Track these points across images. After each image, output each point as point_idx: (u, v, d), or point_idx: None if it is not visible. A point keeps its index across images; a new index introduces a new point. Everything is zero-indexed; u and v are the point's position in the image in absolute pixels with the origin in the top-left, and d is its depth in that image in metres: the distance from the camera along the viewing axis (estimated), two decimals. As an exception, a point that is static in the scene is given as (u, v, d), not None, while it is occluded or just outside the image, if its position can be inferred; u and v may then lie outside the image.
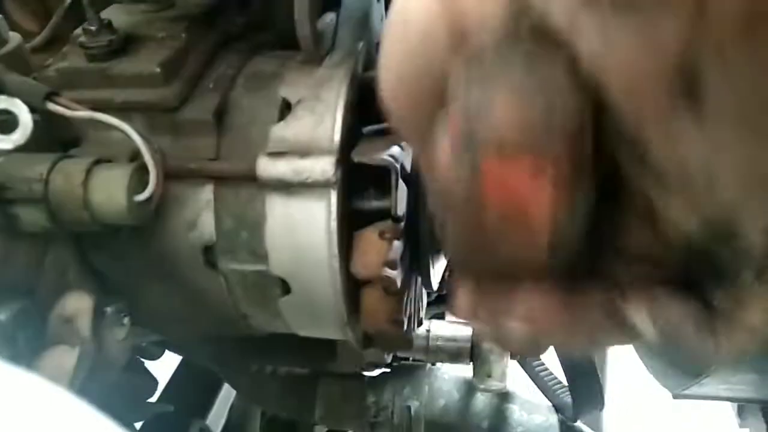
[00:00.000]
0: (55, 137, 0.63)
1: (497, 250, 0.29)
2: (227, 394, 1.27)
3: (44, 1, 0.89)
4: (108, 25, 0.62)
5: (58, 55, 0.66)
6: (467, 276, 0.34)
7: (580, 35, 0.24)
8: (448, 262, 0.39)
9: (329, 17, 0.71)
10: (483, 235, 0.28)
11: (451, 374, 1.00)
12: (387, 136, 0.63)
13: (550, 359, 0.93)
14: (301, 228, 0.59)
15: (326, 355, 0.92)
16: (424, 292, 0.81)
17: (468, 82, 0.27)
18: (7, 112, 0.47)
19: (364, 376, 1.01)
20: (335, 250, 0.59)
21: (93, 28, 0.61)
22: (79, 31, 0.66)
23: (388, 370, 1.02)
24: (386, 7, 0.77)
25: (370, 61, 0.69)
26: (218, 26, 0.70)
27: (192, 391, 1.24)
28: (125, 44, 0.63)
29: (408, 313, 0.69)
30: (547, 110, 0.25)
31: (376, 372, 1.01)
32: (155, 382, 0.90)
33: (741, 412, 0.92)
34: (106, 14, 0.69)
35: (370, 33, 0.69)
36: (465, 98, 0.27)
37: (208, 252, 0.63)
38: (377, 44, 0.70)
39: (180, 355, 1.11)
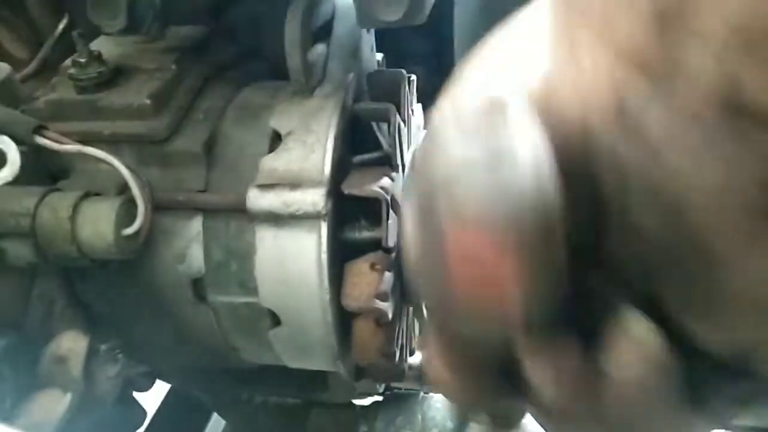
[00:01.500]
0: (43, 169, 0.63)
1: (467, 324, 0.27)
2: (216, 424, 1.25)
3: (35, 29, 0.89)
4: (98, 57, 0.62)
5: (47, 87, 0.65)
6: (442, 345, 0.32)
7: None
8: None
9: (320, 48, 0.71)
10: (450, 309, 0.27)
11: (444, 403, 0.99)
12: (376, 166, 0.63)
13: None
14: (291, 260, 0.59)
15: (318, 385, 0.91)
16: (416, 322, 0.81)
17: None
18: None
19: (356, 405, 0.99)
20: (326, 282, 0.59)
21: (83, 60, 0.61)
22: (68, 62, 0.66)
23: (380, 398, 1.00)
24: (376, 38, 0.78)
25: (360, 91, 0.69)
26: (208, 57, 0.70)
27: (181, 421, 1.22)
28: (115, 76, 0.63)
29: (399, 344, 0.68)
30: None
31: (368, 401, 1.00)
32: (143, 412, 0.89)
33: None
34: (95, 45, 0.69)
35: (360, 64, 0.69)
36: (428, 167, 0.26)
37: (197, 284, 0.62)
38: (367, 75, 0.71)
39: (169, 384, 1.09)
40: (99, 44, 0.70)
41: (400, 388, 1.03)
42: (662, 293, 0.27)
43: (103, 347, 0.60)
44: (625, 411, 0.28)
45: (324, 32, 0.72)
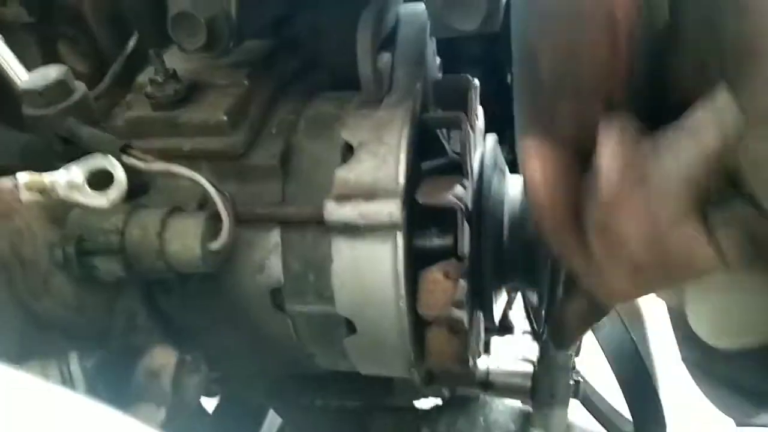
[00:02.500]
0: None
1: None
2: (272, 423, 1.27)
3: (94, 43, 0.92)
4: (173, 75, 0.64)
5: (122, 105, 0.67)
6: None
7: None
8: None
9: (385, 57, 0.71)
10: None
11: (506, 404, 0.99)
12: (446, 173, 0.64)
13: (611, 388, 0.92)
14: (368, 270, 0.60)
15: (382, 389, 0.92)
16: (482, 325, 0.81)
17: None
18: (102, 171, 0.49)
19: (418, 408, 1.00)
20: (402, 291, 0.60)
21: (159, 78, 0.63)
22: (143, 79, 0.68)
23: (441, 401, 1.01)
24: (437, 44, 0.78)
25: (426, 99, 0.70)
26: (275, 70, 0.72)
27: (238, 419, 1.24)
28: (190, 92, 0.65)
29: (472, 351, 0.69)
30: None
31: (429, 404, 1.00)
32: (207, 415, 0.91)
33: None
34: (165, 60, 0.71)
35: (426, 71, 0.70)
36: None
37: (276, 294, 0.64)
38: (433, 82, 0.71)
39: (232, 390, 1.11)
40: (167, 59, 0.71)
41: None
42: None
43: (188, 357, 0.61)
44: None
45: (388, 41, 0.72)
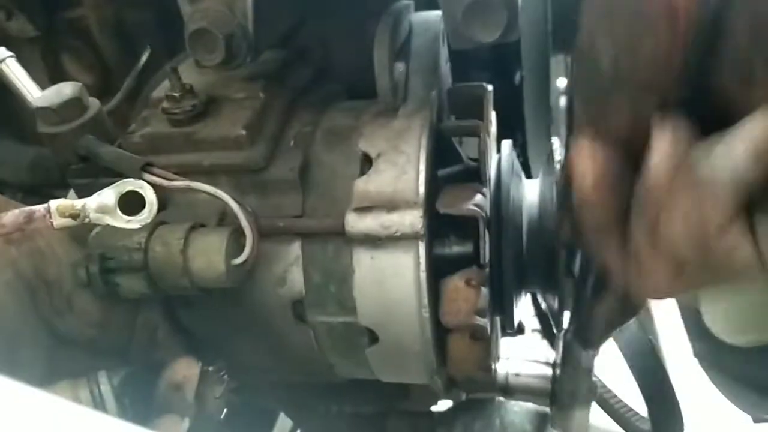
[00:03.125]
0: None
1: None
2: (282, 425, 1.27)
3: (99, 56, 0.92)
4: (190, 90, 0.64)
5: (138, 121, 0.67)
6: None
7: None
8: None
9: (400, 67, 0.71)
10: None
11: (521, 406, 1.00)
12: (465, 181, 0.64)
13: (628, 389, 0.92)
14: (390, 280, 0.60)
15: (398, 394, 0.92)
16: (499, 329, 0.81)
17: None
18: (131, 192, 0.49)
19: (433, 412, 1.00)
20: (425, 300, 0.60)
21: (176, 93, 0.63)
22: (158, 94, 0.68)
23: (456, 404, 1.01)
24: (449, 48, 0.78)
25: (441, 107, 0.70)
26: (289, 82, 0.72)
27: (250, 421, 1.25)
28: (206, 107, 0.65)
29: (493, 356, 0.69)
30: None
31: (445, 406, 1.00)
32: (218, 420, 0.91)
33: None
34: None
35: (440, 80, 0.70)
36: None
37: (297, 306, 0.64)
38: (448, 90, 0.71)
39: (246, 396, 1.11)
40: (181, 73, 0.71)
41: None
42: None
43: (210, 369, 0.62)
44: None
45: (402, 50, 0.72)
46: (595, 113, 0.39)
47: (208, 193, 0.56)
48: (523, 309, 1.14)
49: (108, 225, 0.59)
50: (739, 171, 0.34)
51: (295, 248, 0.62)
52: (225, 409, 1.14)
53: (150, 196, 0.49)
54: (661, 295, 0.42)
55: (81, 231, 0.61)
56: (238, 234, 0.57)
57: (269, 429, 1.26)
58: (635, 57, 0.36)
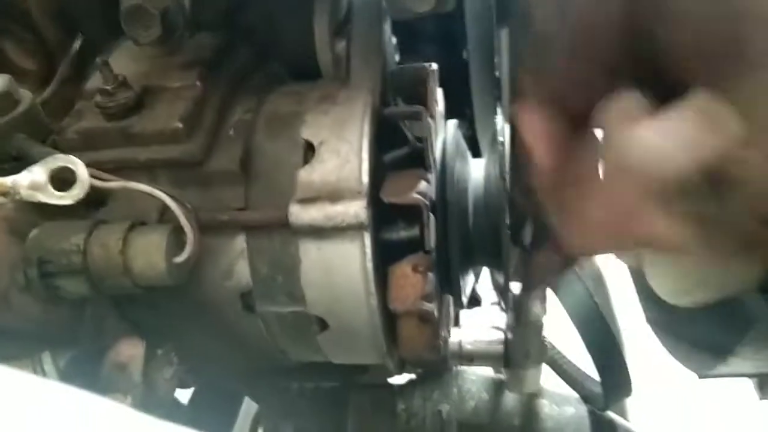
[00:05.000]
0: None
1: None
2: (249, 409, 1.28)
3: (41, 40, 0.88)
4: (124, 83, 0.62)
5: (72, 115, 0.65)
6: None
7: None
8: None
9: (340, 45, 0.70)
10: None
11: (478, 374, 1.02)
12: (410, 167, 0.64)
13: (577, 351, 0.94)
14: (337, 269, 0.60)
15: (357, 370, 0.94)
16: (451, 305, 0.83)
17: None
18: (64, 169, 0.48)
19: (393, 385, 1.02)
20: (372, 288, 0.60)
21: (109, 87, 0.61)
22: (91, 86, 0.66)
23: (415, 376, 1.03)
24: (393, 27, 0.77)
25: (385, 89, 0.69)
26: (228, 65, 0.70)
27: (214, 407, 1.25)
28: (141, 99, 0.63)
29: (442, 336, 0.70)
30: None
31: (404, 379, 1.02)
32: (181, 405, 0.92)
33: (763, 385, 0.94)
34: (113, 62, 0.68)
35: (385, 60, 0.69)
36: None
37: (246, 297, 0.63)
38: (391, 73, 0.70)
39: (207, 381, 1.12)
40: (116, 61, 0.69)
41: (434, 364, 1.05)
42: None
43: (159, 351, 0.61)
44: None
45: (342, 28, 0.71)
46: (536, 75, 0.40)
47: (146, 192, 0.55)
48: (482, 282, 1.16)
49: (47, 226, 0.58)
50: (656, 157, 0.35)
51: (240, 241, 0.61)
52: (192, 392, 1.15)
53: (82, 171, 0.48)
54: (588, 254, 0.45)
55: (19, 225, 0.60)
56: (178, 231, 0.56)
57: (235, 412, 1.27)
58: (570, 18, 0.37)
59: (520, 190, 0.49)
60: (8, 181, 0.49)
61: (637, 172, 0.36)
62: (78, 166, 0.49)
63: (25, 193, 0.49)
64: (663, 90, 0.36)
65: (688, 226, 0.35)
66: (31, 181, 0.49)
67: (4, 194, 0.49)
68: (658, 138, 0.35)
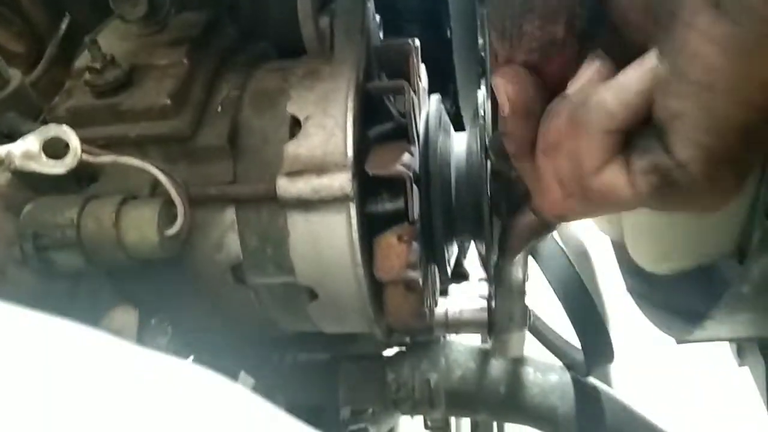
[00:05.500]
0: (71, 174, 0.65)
1: None
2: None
3: (29, 23, 0.89)
4: (112, 61, 0.63)
5: (62, 93, 0.66)
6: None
7: None
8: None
9: (324, 21, 0.71)
10: None
11: (465, 345, 1.05)
12: (394, 140, 0.66)
13: (560, 320, 0.97)
14: (324, 240, 0.62)
15: (346, 339, 0.96)
16: (437, 277, 0.85)
17: None
18: (57, 139, 0.50)
19: (383, 356, 1.05)
20: (358, 258, 0.62)
21: (98, 65, 0.62)
22: (80, 64, 0.67)
23: (405, 348, 1.06)
24: (376, 3, 0.78)
25: (369, 65, 0.70)
26: (215, 43, 0.71)
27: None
28: (129, 76, 0.64)
29: (428, 303, 0.72)
30: None
31: (394, 351, 1.05)
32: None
33: (740, 352, 0.97)
34: (101, 41, 0.69)
35: (369, 37, 0.70)
36: None
37: (236, 269, 0.65)
38: (374, 49, 0.72)
39: (202, 353, 1.14)
40: (104, 40, 0.70)
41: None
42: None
43: (152, 320, 0.63)
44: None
45: (326, 5, 0.72)
46: (507, 39, 0.42)
47: (137, 167, 0.57)
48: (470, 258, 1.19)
49: (40, 201, 0.59)
50: (606, 115, 0.39)
51: (230, 214, 0.63)
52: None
53: (74, 140, 0.50)
54: (557, 216, 0.48)
55: (13, 201, 0.61)
56: (170, 205, 0.58)
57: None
58: None
59: (498, 155, 0.51)
60: (2, 150, 0.50)
61: (590, 130, 0.39)
62: (70, 135, 0.51)
63: (19, 163, 0.50)
64: (627, 51, 0.39)
65: (645, 179, 0.38)
66: (25, 150, 0.51)
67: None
68: (609, 97, 0.38)
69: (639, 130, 0.39)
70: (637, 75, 0.37)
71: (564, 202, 0.44)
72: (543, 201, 0.46)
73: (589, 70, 0.40)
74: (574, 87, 0.41)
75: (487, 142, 0.60)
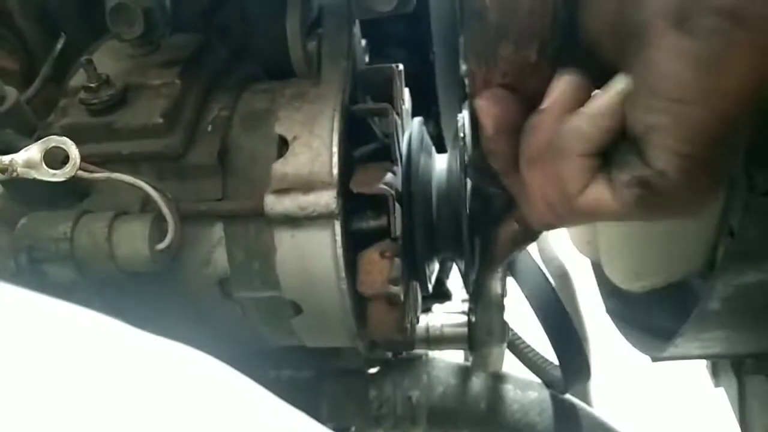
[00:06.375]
0: (63, 190, 0.66)
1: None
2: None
3: (23, 40, 0.91)
4: (107, 81, 0.65)
5: (57, 110, 0.68)
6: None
7: None
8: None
9: (311, 45, 0.74)
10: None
11: (446, 362, 1.07)
12: (378, 160, 0.68)
13: (539, 338, 1.00)
14: (309, 256, 0.64)
15: (329, 355, 0.98)
16: (419, 293, 0.87)
17: None
18: (57, 150, 0.52)
19: (366, 372, 1.06)
20: (342, 273, 0.64)
21: (93, 84, 0.64)
22: (75, 83, 0.69)
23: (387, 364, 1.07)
24: (363, 29, 0.81)
25: (354, 88, 0.73)
26: (206, 65, 0.74)
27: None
28: (123, 95, 0.67)
29: (409, 318, 0.75)
30: None
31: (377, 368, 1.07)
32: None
33: (715, 372, 1.00)
34: (95, 61, 0.72)
35: (355, 61, 0.73)
36: None
37: (224, 283, 0.67)
38: (359, 73, 0.75)
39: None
40: (97, 60, 0.72)
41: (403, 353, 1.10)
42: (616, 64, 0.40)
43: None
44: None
45: (313, 29, 0.75)
46: (485, 63, 0.46)
47: (130, 183, 0.59)
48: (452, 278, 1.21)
49: (34, 216, 0.61)
50: (583, 141, 0.42)
51: (218, 230, 0.65)
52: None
53: (73, 151, 0.52)
54: (545, 226, 0.50)
55: (7, 215, 0.63)
56: (160, 220, 0.60)
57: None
58: (515, 9, 0.43)
59: (478, 172, 0.54)
60: (6, 159, 0.53)
61: (569, 155, 0.42)
62: (70, 146, 0.54)
63: (21, 170, 0.53)
64: (597, 69, 0.42)
65: (629, 191, 0.41)
66: (27, 158, 0.54)
67: (2, 171, 0.53)
68: (583, 123, 0.41)
69: (614, 145, 0.42)
70: (607, 98, 0.41)
71: (551, 213, 0.47)
72: (531, 212, 0.49)
73: (561, 83, 0.44)
74: (548, 101, 0.44)
75: (466, 161, 0.63)
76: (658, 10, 0.36)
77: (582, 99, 0.43)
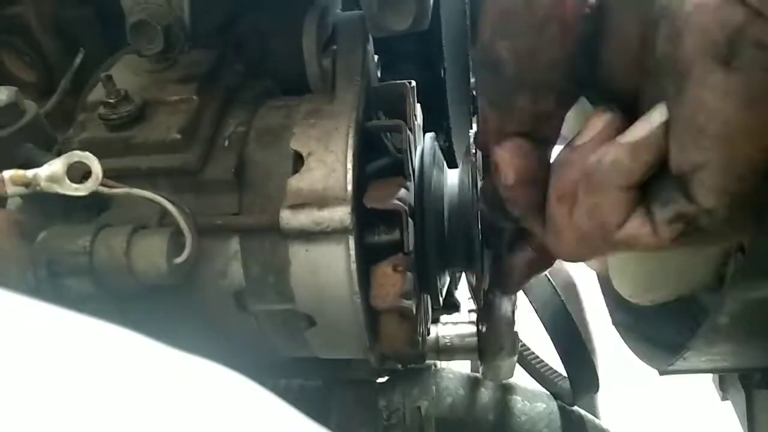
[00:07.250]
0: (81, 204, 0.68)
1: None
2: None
3: (41, 53, 0.92)
4: (126, 96, 0.67)
5: (76, 125, 0.70)
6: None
7: None
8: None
9: (326, 61, 0.76)
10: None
11: (455, 372, 1.07)
12: (391, 176, 0.69)
13: (547, 349, 1.00)
14: (323, 270, 0.65)
15: (339, 364, 0.99)
16: (429, 306, 0.88)
17: None
18: (80, 164, 0.53)
19: (375, 382, 1.07)
20: (356, 287, 0.65)
21: (112, 100, 0.66)
22: (93, 98, 0.71)
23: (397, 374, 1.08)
24: (376, 47, 0.82)
25: (368, 104, 0.74)
26: (222, 81, 0.75)
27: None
28: (141, 111, 0.68)
29: (420, 332, 0.75)
30: None
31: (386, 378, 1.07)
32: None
33: (722, 385, 1.00)
34: (114, 77, 0.73)
35: (368, 78, 0.74)
36: None
37: (239, 296, 0.68)
38: (372, 89, 0.76)
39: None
40: (116, 76, 0.73)
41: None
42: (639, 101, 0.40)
43: None
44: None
45: (328, 46, 0.77)
46: (499, 112, 0.45)
47: (148, 198, 0.60)
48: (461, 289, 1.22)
49: (54, 230, 0.62)
50: (623, 173, 0.41)
51: (234, 244, 0.66)
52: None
53: (96, 166, 0.54)
54: (572, 258, 0.50)
55: (27, 228, 0.64)
56: (178, 234, 0.61)
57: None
58: (533, 61, 0.42)
59: (491, 208, 0.54)
60: (30, 173, 0.54)
61: (610, 188, 0.41)
62: (92, 161, 0.55)
63: (44, 185, 0.54)
64: (610, 97, 0.42)
65: (671, 227, 0.40)
66: (50, 173, 0.55)
67: (27, 185, 0.55)
68: (623, 155, 0.40)
69: (654, 179, 0.41)
70: (647, 131, 0.40)
71: (585, 246, 0.46)
72: (559, 245, 0.48)
73: (598, 122, 0.42)
74: (583, 138, 0.43)
75: (478, 189, 0.62)
76: (700, 46, 0.35)
77: (614, 134, 0.42)
